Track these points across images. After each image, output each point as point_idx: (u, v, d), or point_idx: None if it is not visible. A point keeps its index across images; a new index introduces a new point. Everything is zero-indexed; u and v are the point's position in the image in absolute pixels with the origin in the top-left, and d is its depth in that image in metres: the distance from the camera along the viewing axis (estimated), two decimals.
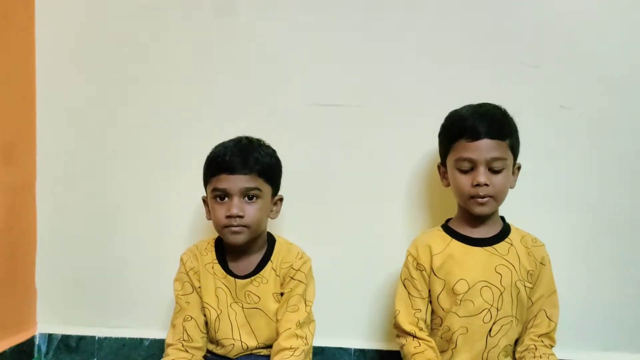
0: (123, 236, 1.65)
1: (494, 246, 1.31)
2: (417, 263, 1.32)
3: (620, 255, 1.54)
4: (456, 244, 1.32)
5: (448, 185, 1.35)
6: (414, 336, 1.28)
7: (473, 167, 1.27)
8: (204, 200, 1.34)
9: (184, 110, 1.62)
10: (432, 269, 1.31)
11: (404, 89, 1.57)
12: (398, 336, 1.32)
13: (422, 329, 1.29)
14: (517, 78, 1.54)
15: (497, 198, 1.29)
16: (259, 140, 1.33)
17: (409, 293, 1.32)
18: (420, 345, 1.26)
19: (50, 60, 1.64)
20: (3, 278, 1.53)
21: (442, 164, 1.36)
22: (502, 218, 1.37)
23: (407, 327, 1.28)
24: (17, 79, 1.58)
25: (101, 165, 1.65)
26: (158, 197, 1.63)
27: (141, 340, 1.64)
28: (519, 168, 1.34)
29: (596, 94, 1.53)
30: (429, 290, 1.32)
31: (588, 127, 1.53)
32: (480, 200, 1.27)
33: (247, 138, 1.33)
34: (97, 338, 1.65)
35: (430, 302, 1.32)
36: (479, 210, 1.29)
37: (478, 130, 1.25)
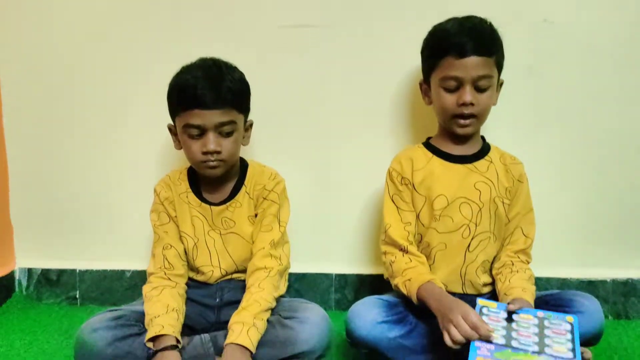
0: (96, 169, 1.61)
1: (474, 163, 1.30)
2: (402, 177, 1.30)
3: (598, 174, 1.54)
4: (437, 161, 1.30)
5: (430, 103, 1.32)
6: (406, 251, 1.26)
7: (459, 85, 1.23)
8: (171, 130, 1.29)
9: (153, 36, 1.55)
10: (413, 184, 1.29)
11: (377, 5, 1.51)
12: (385, 253, 1.29)
13: (412, 244, 1.27)
14: None
15: (481, 117, 1.26)
16: (226, 64, 1.25)
17: (397, 207, 1.30)
18: (411, 261, 1.25)
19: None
20: None
21: (425, 81, 1.32)
22: (483, 137, 1.35)
23: (400, 240, 1.26)
24: None
25: (69, 99, 1.59)
26: (128, 127, 1.59)
27: (122, 271, 1.64)
28: (501, 84, 1.31)
29: (580, 9, 1.48)
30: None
31: (571, 42, 1.49)
32: (463, 121, 1.24)
33: (214, 63, 1.25)
34: (78, 271, 1.64)
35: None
36: (461, 131, 1.26)
37: (465, 47, 1.20)
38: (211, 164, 1.22)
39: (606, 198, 1.54)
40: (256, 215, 1.31)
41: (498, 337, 1.07)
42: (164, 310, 1.18)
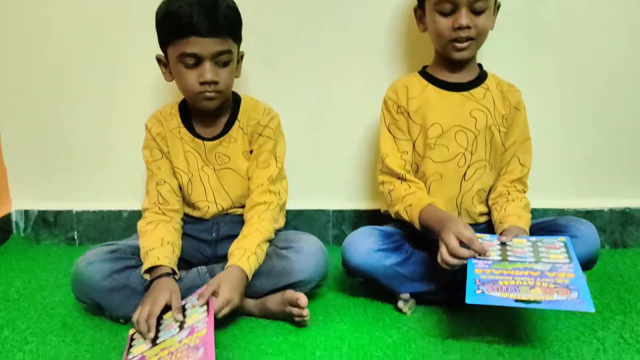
0: (89, 108, 1.58)
1: (470, 91, 1.27)
2: (398, 106, 1.28)
3: (596, 103, 1.51)
4: (432, 89, 1.28)
5: (425, 30, 1.29)
6: (404, 179, 1.25)
7: (454, 9, 1.19)
8: (159, 60, 1.25)
9: None
10: (408, 112, 1.27)
11: None
12: (383, 183, 1.28)
13: (409, 172, 1.26)
14: None
15: (479, 41, 1.23)
16: None
17: (394, 137, 1.28)
18: (410, 187, 1.24)
19: None
20: None
21: (420, 6, 1.28)
22: (480, 65, 1.32)
23: (397, 169, 1.25)
24: None
25: (60, 35, 1.54)
26: (123, 61, 1.55)
27: (120, 212, 1.63)
28: (498, 7, 1.27)
29: None
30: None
31: None
32: (459, 45, 1.21)
33: None
34: (75, 212, 1.64)
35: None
36: (459, 55, 1.23)
37: None
38: (208, 94, 1.19)
39: (604, 127, 1.52)
40: (251, 152, 1.29)
41: (494, 255, 1.07)
42: (158, 243, 1.18)
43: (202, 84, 1.18)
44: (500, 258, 1.06)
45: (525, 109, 1.30)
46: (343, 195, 1.62)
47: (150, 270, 1.14)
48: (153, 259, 1.14)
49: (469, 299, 0.98)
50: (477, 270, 1.04)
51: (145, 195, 1.31)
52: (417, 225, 1.18)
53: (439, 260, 1.07)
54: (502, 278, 1.01)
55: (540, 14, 1.46)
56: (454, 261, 1.05)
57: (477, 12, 1.19)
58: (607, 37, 1.47)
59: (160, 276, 1.12)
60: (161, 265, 1.14)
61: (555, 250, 1.07)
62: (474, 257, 1.06)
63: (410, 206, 1.19)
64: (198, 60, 1.17)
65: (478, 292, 0.99)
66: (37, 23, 1.54)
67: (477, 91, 1.27)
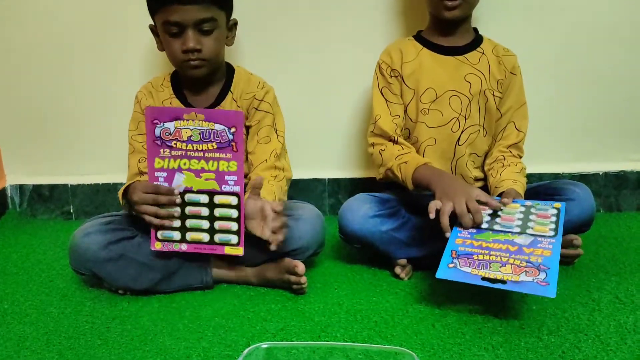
0: (81, 79, 1.57)
1: (465, 55, 1.26)
2: (392, 69, 1.27)
3: (590, 67, 1.51)
4: (427, 53, 1.27)
5: None
6: (395, 141, 1.25)
7: None
8: (152, 30, 1.25)
9: None
10: (402, 76, 1.26)
11: None
12: (374, 144, 1.28)
13: (400, 136, 1.26)
14: None
15: (469, 1, 1.21)
16: None
17: (386, 100, 1.28)
18: (403, 148, 1.24)
19: None
20: None
21: None
22: (475, 29, 1.30)
23: (389, 131, 1.25)
24: None
25: (50, 6, 1.51)
26: (112, 31, 1.53)
27: (115, 184, 1.63)
28: None
29: None
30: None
31: None
32: (450, 3, 1.19)
33: None
34: (69, 186, 1.64)
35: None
36: (449, 14, 1.21)
37: None
38: (192, 63, 1.19)
39: (598, 91, 1.52)
40: (247, 128, 1.28)
41: (484, 220, 1.08)
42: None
43: (184, 52, 1.17)
44: (486, 226, 1.07)
45: (521, 73, 1.30)
46: (338, 163, 1.61)
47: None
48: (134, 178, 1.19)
49: (439, 274, 1.00)
50: (458, 240, 1.06)
51: (127, 170, 1.28)
52: (409, 182, 1.18)
53: (431, 210, 1.08)
54: (479, 252, 1.03)
55: None
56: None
57: None
58: None
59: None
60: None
61: (544, 220, 1.08)
62: (460, 226, 1.08)
63: (405, 163, 1.20)
64: (181, 29, 1.17)
65: (451, 265, 1.01)
66: None
67: (472, 55, 1.26)
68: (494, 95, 1.26)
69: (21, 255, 1.39)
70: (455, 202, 1.07)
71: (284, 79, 1.42)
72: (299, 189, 1.61)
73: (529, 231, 1.06)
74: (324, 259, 1.31)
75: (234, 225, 1.09)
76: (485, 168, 1.30)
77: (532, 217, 1.09)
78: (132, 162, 1.27)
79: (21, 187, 1.64)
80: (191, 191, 1.10)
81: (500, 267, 0.99)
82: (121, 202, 1.17)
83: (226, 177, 1.08)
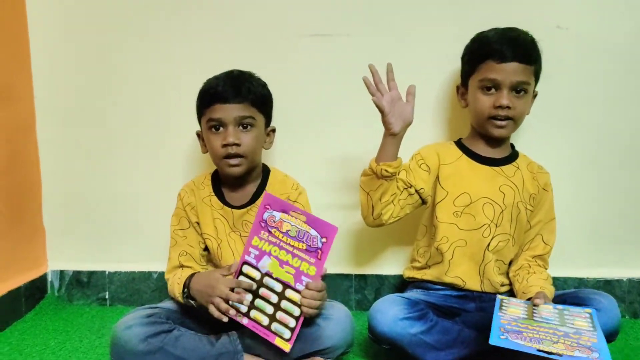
0: (127, 173, 1.68)
1: (502, 167, 1.34)
2: (423, 162, 1.35)
3: (613, 175, 1.57)
4: (465, 159, 1.36)
5: (466, 106, 1.38)
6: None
7: (497, 88, 1.28)
8: (198, 135, 1.37)
9: (174, 48, 1.61)
10: (438, 177, 1.34)
11: (394, 17, 1.56)
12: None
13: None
14: None
15: (516, 121, 1.31)
16: (250, 73, 1.35)
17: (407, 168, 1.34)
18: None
19: (43, 4, 1.63)
20: (11, 218, 1.57)
21: (463, 84, 1.38)
22: (512, 145, 1.40)
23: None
24: (9, 21, 1.57)
25: (100, 105, 1.66)
26: (156, 132, 1.65)
27: (149, 273, 1.69)
28: (535, 95, 1.35)
29: (593, 13, 1.51)
30: (430, 198, 1.35)
31: (584, 49, 1.52)
32: (499, 122, 1.29)
33: (238, 70, 1.35)
34: (107, 273, 1.70)
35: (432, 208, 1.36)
36: (497, 132, 1.31)
37: (507, 53, 1.27)
38: (231, 161, 1.28)
39: (621, 198, 1.57)
40: None
41: (520, 314, 1.12)
42: (187, 274, 1.28)
43: (224, 146, 1.28)
44: (525, 316, 1.10)
45: (552, 190, 1.37)
46: (365, 260, 1.66)
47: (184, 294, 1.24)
48: (181, 279, 1.26)
49: (493, 340, 1.01)
50: (503, 321, 1.08)
51: (168, 262, 1.37)
52: (373, 162, 1.24)
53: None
54: (527, 330, 1.05)
55: (556, 90, 1.53)
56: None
57: (518, 95, 1.28)
58: (622, 113, 1.54)
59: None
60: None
61: (581, 319, 1.11)
62: (500, 308, 1.11)
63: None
64: (222, 125, 1.28)
65: (502, 337, 1.02)
66: (82, 88, 1.65)
67: (508, 168, 1.34)
68: (526, 208, 1.33)
69: (58, 342, 1.43)
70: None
71: (313, 176, 1.51)
72: (326, 284, 1.63)
73: (569, 324, 1.08)
74: (352, 357, 1.33)
75: (291, 322, 1.15)
76: (511, 274, 1.34)
77: (567, 316, 1.12)
78: (173, 255, 1.35)
79: (61, 273, 1.71)
80: (271, 276, 1.18)
81: (553, 344, 1.00)
82: (178, 293, 1.25)
83: (302, 277, 1.15)
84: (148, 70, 1.63)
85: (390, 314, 1.21)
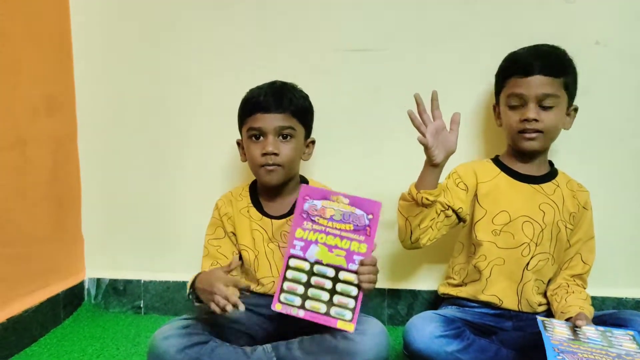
0: (164, 184, 1.71)
1: (541, 185, 1.33)
2: (461, 181, 1.35)
3: None
4: (504, 177, 1.35)
5: (501, 125, 1.37)
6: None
7: (524, 103, 1.28)
8: (238, 143, 1.39)
9: (215, 59, 1.65)
10: (476, 195, 1.34)
11: (431, 32, 1.57)
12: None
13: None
14: (552, 13, 1.51)
15: (547, 135, 1.30)
16: (292, 84, 1.37)
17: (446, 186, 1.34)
18: None
19: (85, 13, 1.68)
20: (52, 226, 1.61)
21: (497, 103, 1.38)
22: (551, 162, 1.39)
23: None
24: (53, 32, 1.62)
25: (138, 114, 1.70)
26: (195, 142, 1.68)
27: (184, 283, 1.69)
28: (575, 110, 1.34)
29: (632, 29, 1.50)
30: (469, 217, 1.35)
31: (622, 65, 1.50)
32: (527, 135, 1.29)
33: (280, 81, 1.37)
34: (142, 282, 1.73)
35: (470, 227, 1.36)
36: (527, 145, 1.30)
37: (530, 67, 1.27)
38: (269, 167, 1.30)
39: None
40: None
41: (565, 334, 1.10)
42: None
43: (263, 155, 1.29)
44: (572, 337, 1.09)
45: (592, 209, 1.35)
46: (398, 275, 1.66)
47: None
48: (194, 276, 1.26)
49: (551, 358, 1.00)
50: (554, 341, 1.06)
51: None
52: (413, 189, 1.24)
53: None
54: (580, 351, 1.03)
55: (595, 107, 1.51)
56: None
57: (545, 108, 1.27)
58: None
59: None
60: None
61: (626, 341, 1.09)
62: (545, 329, 1.10)
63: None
64: (262, 134, 1.30)
65: (559, 357, 1.01)
66: (122, 98, 1.70)
67: (547, 186, 1.33)
68: (566, 227, 1.31)
69: (95, 349, 1.46)
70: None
71: (349, 189, 1.49)
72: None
73: (617, 346, 1.06)
74: None
75: (351, 302, 1.16)
76: (548, 293, 1.33)
77: (611, 338, 1.10)
78: (205, 265, 1.37)
79: (98, 281, 1.75)
80: (321, 263, 1.19)
81: None
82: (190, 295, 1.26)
83: (354, 257, 1.18)
84: (189, 80, 1.67)
85: (427, 331, 1.20)
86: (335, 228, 1.19)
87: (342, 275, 1.17)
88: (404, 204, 1.27)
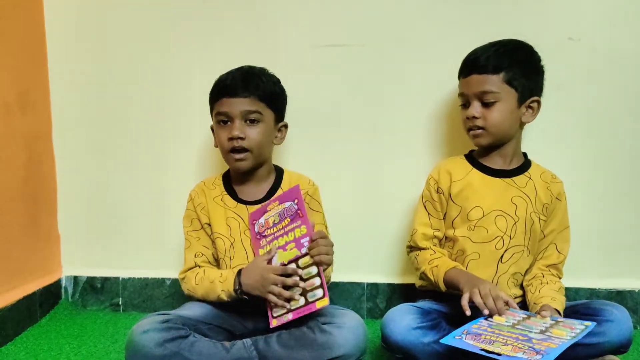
0: (140, 180, 1.70)
1: (513, 178, 1.35)
2: (438, 187, 1.37)
3: (626, 185, 1.57)
4: (476, 173, 1.36)
5: None
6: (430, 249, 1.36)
7: (467, 102, 1.33)
8: (212, 129, 1.40)
9: (192, 55, 1.64)
10: (450, 194, 1.35)
11: (407, 27, 1.58)
12: (410, 249, 1.41)
13: (436, 245, 1.37)
14: (524, 10, 1.54)
15: (491, 131, 1.31)
16: (262, 69, 1.38)
17: (428, 214, 1.38)
18: (435, 253, 1.34)
19: (59, 9, 1.66)
20: (27, 224, 1.60)
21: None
22: (525, 154, 1.40)
23: (423, 244, 1.36)
24: (26, 29, 1.60)
25: (114, 110, 1.69)
26: (173, 138, 1.68)
27: (163, 279, 1.71)
28: (536, 102, 1.33)
29: (604, 25, 1.53)
30: (445, 214, 1.38)
31: (596, 60, 1.53)
32: (473, 132, 1.33)
33: (249, 66, 1.38)
34: (120, 279, 1.72)
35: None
36: (475, 142, 1.35)
37: (466, 68, 1.32)
38: (237, 155, 1.31)
39: (634, 208, 1.57)
40: None
41: (504, 321, 1.13)
42: (219, 273, 1.29)
43: (230, 139, 1.31)
44: (509, 324, 1.12)
45: (566, 199, 1.37)
46: (377, 268, 1.67)
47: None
48: (230, 274, 1.27)
49: (444, 340, 1.07)
50: (475, 326, 1.11)
51: (184, 263, 1.39)
52: (441, 284, 1.27)
53: (464, 301, 1.16)
54: (489, 334, 1.07)
55: (567, 102, 1.55)
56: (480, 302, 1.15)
57: (487, 105, 1.30)
58: (634, 120, 1.54)
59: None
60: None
61: (567, 329, 1.10)
62: (487, 318, 1.14)
63: (436, 267, 1.29)
64: (229, 119, 1.32)
65: (457, 337, 1.06)
66: (97, 94, 1.69)
67: (519, 179, 1.35)
68: (539, 219, 1.33)
69: (73, 347, 1.45)
70: (479, 287, 1.16)
71: (330, 183, 1.52)
72: (338, 291, 1.66)
73: (547, 333, 1.09)
74: None
75: (317, 281, 1.20)
76: (524, 284, 1.35)
77: (556, 326, 1.12)
78: (189, 257, 1.37)
79: (75, 278, 1.73)
80: (284, 265, 1.23)
81: (502, 345, 1.02)
82: (222, 291, 1.27)
83: (302, 241, 1.23)
84: (164, 76, 1.66)
85: (404, 323, 1.21)
86: (280, 229, 1.26)
87: (300, 262, 1.22)
88: (428, 285, 1.36)
